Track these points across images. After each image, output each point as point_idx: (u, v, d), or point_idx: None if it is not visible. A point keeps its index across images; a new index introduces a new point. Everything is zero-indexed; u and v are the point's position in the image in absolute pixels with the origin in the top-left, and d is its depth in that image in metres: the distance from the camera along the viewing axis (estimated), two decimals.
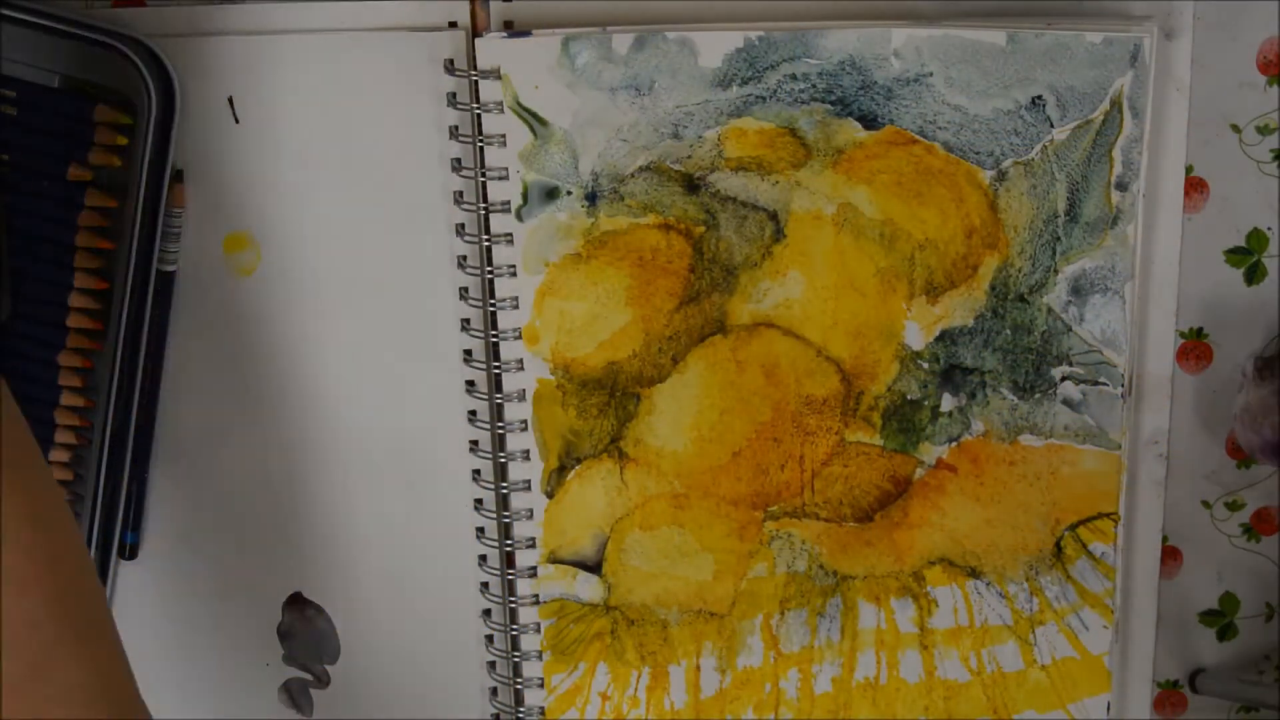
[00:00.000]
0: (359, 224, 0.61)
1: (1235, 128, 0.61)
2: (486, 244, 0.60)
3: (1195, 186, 0.62)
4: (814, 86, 0.59)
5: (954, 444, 0.62)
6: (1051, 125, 0.59)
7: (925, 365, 0.61)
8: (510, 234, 0.60)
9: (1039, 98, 0.59)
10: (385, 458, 0.63)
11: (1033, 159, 0.59)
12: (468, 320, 0.62)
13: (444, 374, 0.62)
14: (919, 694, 0.64)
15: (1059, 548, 0.63)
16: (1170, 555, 0.65)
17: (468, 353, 0.62)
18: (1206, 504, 0.65)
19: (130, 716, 0.49)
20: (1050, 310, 0.61)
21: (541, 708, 0.64)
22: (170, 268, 0.61)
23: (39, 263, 0.59)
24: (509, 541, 0.63)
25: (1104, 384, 0.62)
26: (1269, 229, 0.62)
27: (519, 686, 0.64)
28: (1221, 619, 0.66)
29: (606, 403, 0.61)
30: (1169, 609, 0.66)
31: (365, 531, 0.64)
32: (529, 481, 0.62)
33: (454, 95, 0.59)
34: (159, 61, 0.58)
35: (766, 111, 0.59)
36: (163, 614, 0.65)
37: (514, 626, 0.63)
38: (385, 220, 0.61)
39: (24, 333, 0.60)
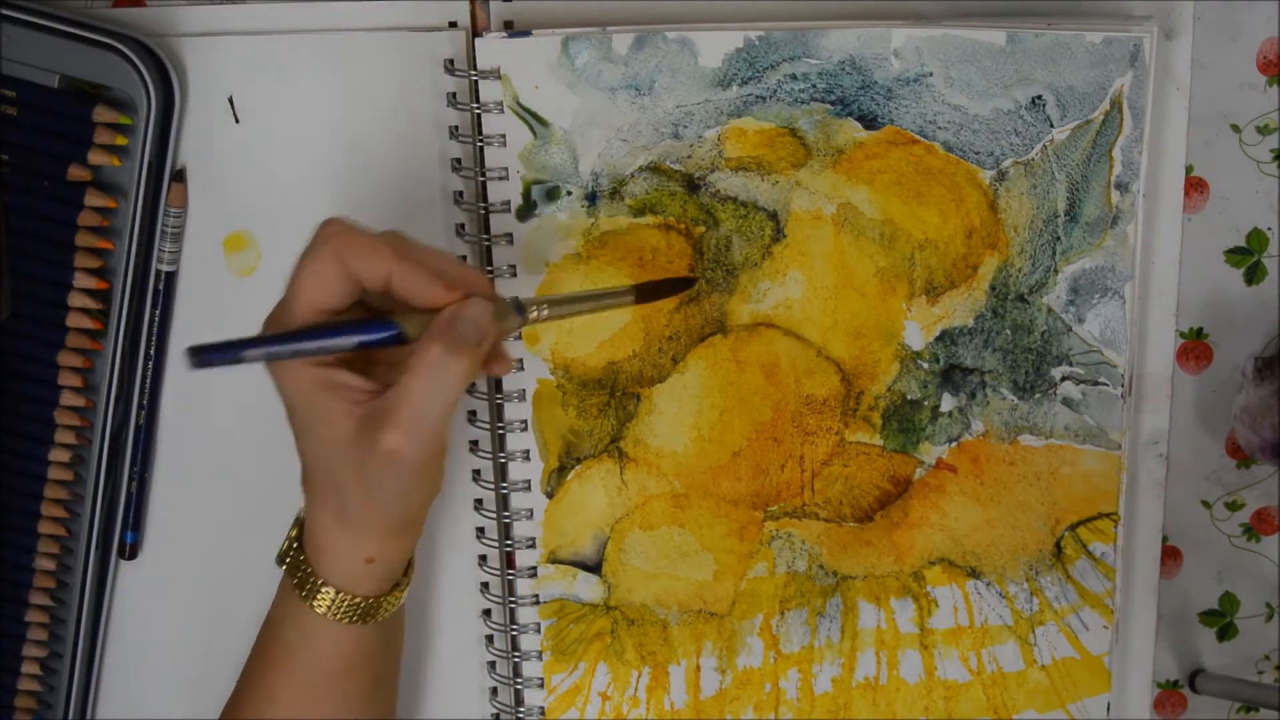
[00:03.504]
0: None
1: (1235, 128, 0.61)
2: (486, 244, 0.60)
3: (1195, 186, 0.62)
4: (814, 86, 0.59)
5: (954, 444, 0.62)
6: (1051, 125, 0.59)
7: (925, 365, 0.61)
8: (510, 234, 0.60)
9: (1039, 98, 0.59)
10: None
11: (1033, 159, 0.59)
12: None
13: None
14: (919, 694, 0.64)
15: (1059, 548, 0.63)
16: (1170, 555, 0.65)
17: None
18: (1206, 504, 0.65)
19: None
20: (1050, 310, 0.61)
21: (541, 708, 0.64)
22: (170, 268, 0.61)
23: (39, 263, 0.59)
24: (509, 541, 0.63)
25: (1104, 384, 0.62)
26: (1269, 229, 0.62)
27: (519, 686, 0.64)
28: (1221, 619, 0.66)
29: (606, 403, 0.61)
30: (1169, 609, 0.66)
31: None
32: (529, 481, 0.62)
33: (454, 95, 0.59)
34: (159, 61, 0.58)
35: (766, 111, 0.59)
36: (163, 614, 0.65)
37: (514, 626, 0.63)
38: (385, 220, 0.61)
39: (24, 333, 0.60)
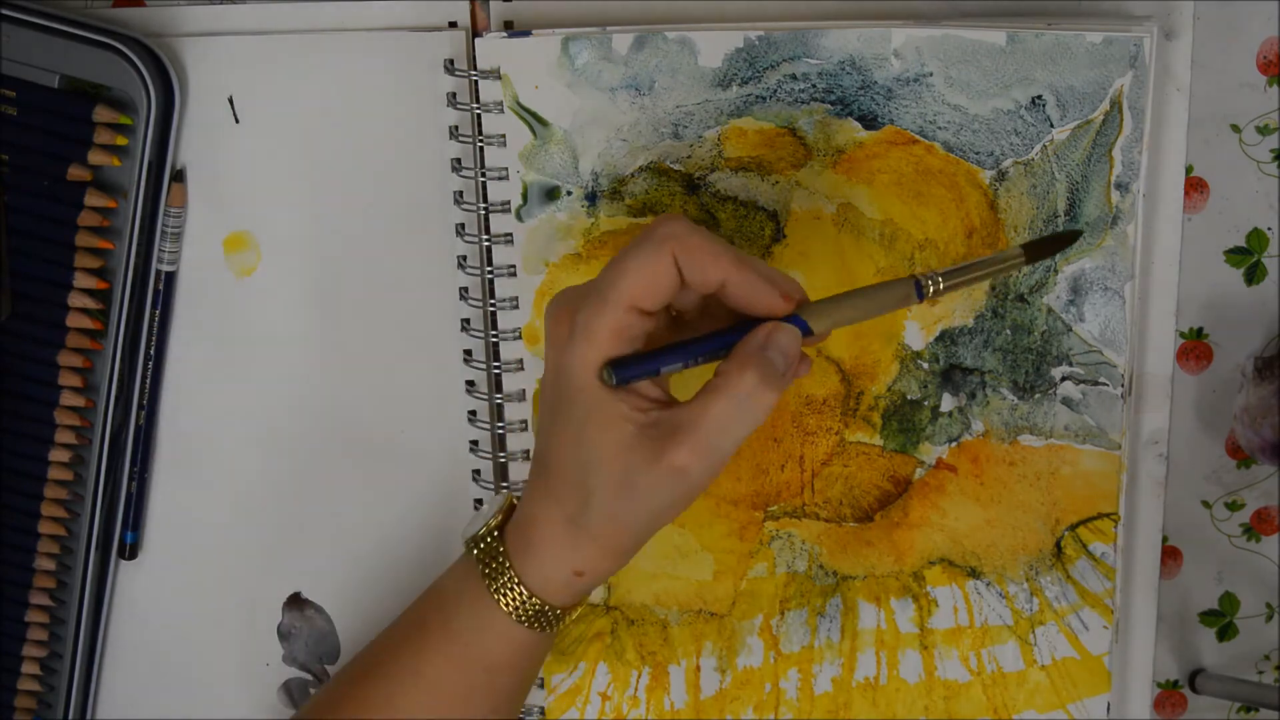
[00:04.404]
0: (359, 224, 0.61)
1: (1235, 128, 0.61)
2: (486, 244, 0.60)
3: (1195, 186, 0.62)
4: (814, 86, 0.59)
5: (954, 444, 0.62)
6: (1051, 125, 0.59)
7: (925, 365, 0.61)
8: (510, 234, 0.60)
9: (1039, 98, 0.59)
10: (385, 458, 0.63)
11: (1033, 159, 0.59)
12: (468, 320, 0.62)
13: (444, 374, 0.62)
14: (919, 694, 0.64)
15: (1059, 548, 0.63)
16: (1170, 555, 0.65)
17: (468, 353, 0.62)
18: (1206, 504, 0.65)
19: None
20: (1050, 310, 0.61)
21: (541, 708, 0.64)
22: (170, 268, 0.61)
23: (39, 263, 0.59)
24: None
25: (1104, 384, 0.62)
26: (1269, 229, 0.62)
27: None
28: (1221, 619, 0.66)
29: None
30: (1169, 609, 0.66)
31: (365, 531, 0.64)
32: None
33: (454, 95, 0.59)
34: (159, 61, 0.58)
35: (766, 111, 0.59)
36: (163, 614, 0.65)
37: None
38: (385, 220, 0.61)
39: (24, 333, 0.60)
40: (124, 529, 0.63)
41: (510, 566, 0.51)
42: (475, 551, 0.52)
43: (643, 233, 0.48)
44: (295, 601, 0.65)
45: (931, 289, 0.51)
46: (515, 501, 0.53)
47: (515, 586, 0.50)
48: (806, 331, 0.50)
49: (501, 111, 0.59)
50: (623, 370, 0.48)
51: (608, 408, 0.48)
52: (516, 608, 0.51)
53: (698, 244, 0.48)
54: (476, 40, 0.58)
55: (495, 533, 0.52)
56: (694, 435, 0.47)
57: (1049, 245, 0.55)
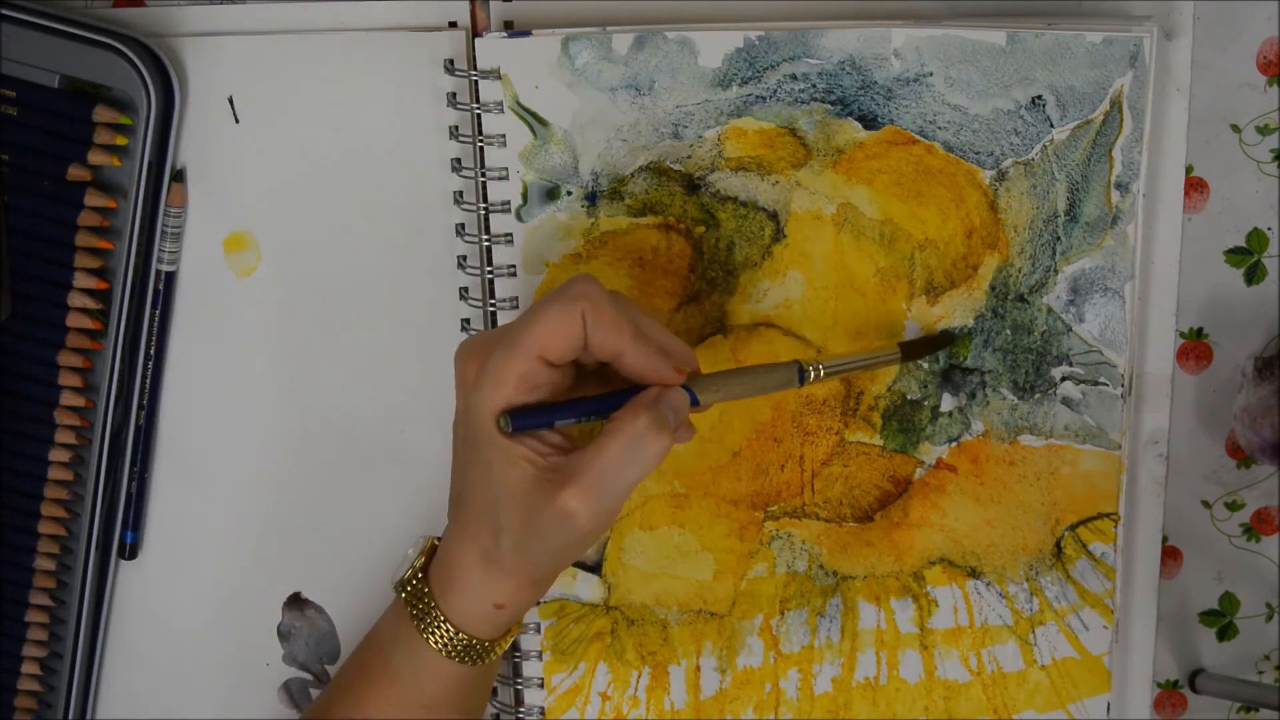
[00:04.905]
0: (359, 224, 0.61)
1: (1235, 128, 0.61)
2: (486, 244, 0.60)
3: (1195, 186, 0.62)
4: (814, 86, 0.59)
5: (954, 444, 0.62)
6: (1051, 125, 0.59)
7: (925, 365, 0.61)
8: (510, 234, 0.60)
9: (1039, 98, 0.59)
10: (385, 458, 0.63)
11: (1033, 159, 0.59)
12: (468, 320, 0.62)
13: (444, 374, 0.62)
14: (919, 694, 0.64)
15: (1059, 548, 0.63)
16: (1170, 555, 0.65)
17: None
18: (1206, 504, 0.65)
19: None
20: (1050, 310, 0.61)
21: (541, 708, 0.64)
22: (170, 268, 0.61)
23: (39, 263, 0.59)
24: None
25: (1104, 384, 0.62)
26: (1269, 229, 0.62)
27: (519, 686, 0.64)
28: (1221, 619, 0.66)
29: None
30: (1169, 609, 0.66)
31: (365, 531, 0.64)
32: None
33: (454, 95, 0.59)
34: (159, 61, 0.58)
35: (766, 111, 0.59)
36: (163, 614, 0.65)
37: None
38: (385, 220, 0.61)
39: (24, 333, 0.60)
40: (124, 529, 0.63)
41: (435, 606, 0.53)
42: (403, 595, 0.54)
43: (558, 288, 0.50)
44: (295, 601, 0.65)
45: (813, 375, 0.55)
46: (436, 543, 0.55)
47: (442, 624, 0.52)
48: (694, 401, 0.52)
49: (501, 111, 0.59)
50: (519, 419, 0.50)
51: (511, 449, 0.50)
52: (445, 644, 0.52)
53: (606, 311, 0.50)
54: (476, 40, 0.58)
55: (420, 574, 0.54)
56: (585, 480, 0.49)
57: (924, 346, 0.60)
